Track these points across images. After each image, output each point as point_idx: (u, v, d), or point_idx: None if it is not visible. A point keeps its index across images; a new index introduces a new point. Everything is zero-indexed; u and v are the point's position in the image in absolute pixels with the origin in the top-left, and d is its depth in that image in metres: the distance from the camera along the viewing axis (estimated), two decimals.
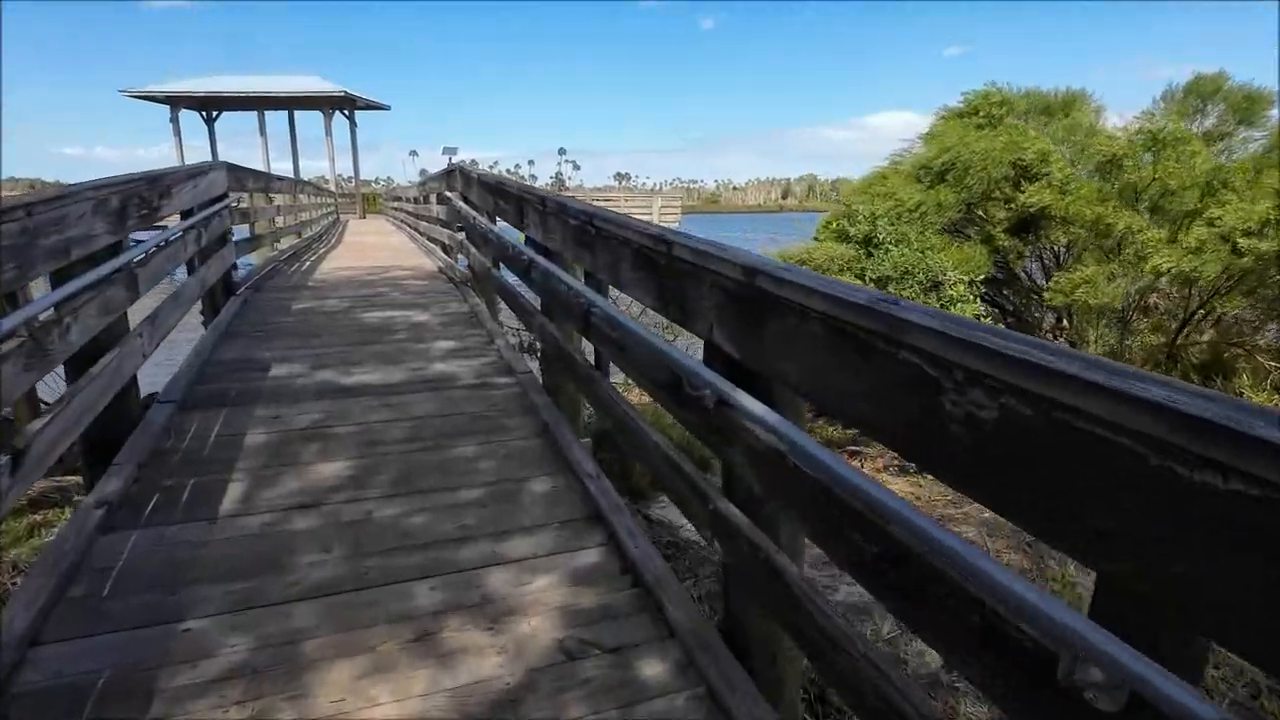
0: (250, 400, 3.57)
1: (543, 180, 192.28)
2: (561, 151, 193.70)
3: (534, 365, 4.39)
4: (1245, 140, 6.11)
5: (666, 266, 1.92)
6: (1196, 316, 5.20)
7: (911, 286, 5.47)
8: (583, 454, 2.95)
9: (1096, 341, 5.45)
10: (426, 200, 10.60)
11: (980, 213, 5.98)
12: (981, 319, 5.35)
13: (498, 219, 4.61)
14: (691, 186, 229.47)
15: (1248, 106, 5.85)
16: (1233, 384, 5.17)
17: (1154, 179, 4.90)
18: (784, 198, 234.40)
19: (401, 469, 2.88)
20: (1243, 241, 4.40)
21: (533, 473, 2.88)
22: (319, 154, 29.80)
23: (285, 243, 10.41)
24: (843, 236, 6.16)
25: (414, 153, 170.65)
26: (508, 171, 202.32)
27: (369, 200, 42.52)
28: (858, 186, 6.59)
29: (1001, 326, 5.87)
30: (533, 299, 3.91)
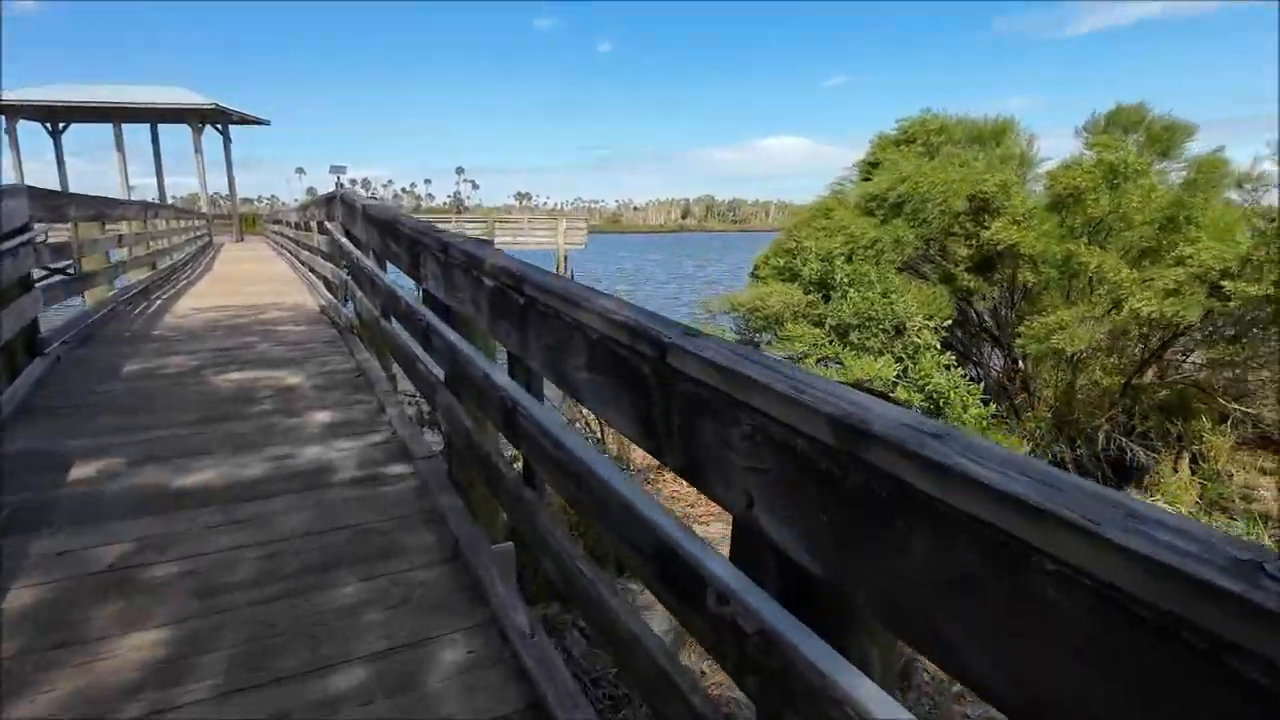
0: (30, 524, 2.56)
1: (440, 199, 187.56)
2: (459, 170, 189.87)
3: (438, 438, 3.55)
4: (1164, 172, 6.15)
5: (659, 381, 1.21)
6: (1157, 356, 5.10)
7: (876, 334, 5.04)
8: (509, 594, 2.17)
9: (1052, 384, 5.23)
10: (307, 227, 9.42)
11: (937, 250, 5.68)
12: (954, 370, 5.00)
13: (388, 263, 3.76)
14: (593, 206, 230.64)
15: (1168, 138, 5.87)
16: (1192, 425, 5.07)
17: (1115, 213, 4.73)
18: (684, 217, 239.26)
19: (249, 637, 2.00)
20: (1230, 285, 4.24)
21: (441, 628, 2.08)
22: (192, 170, 27.18)
23: (133, 276, 8.93)
24: (789, 275, 5.70)
25: (300, 170, 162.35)
26: (402, 190, 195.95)
27: (248, 221, 39.53)
28: (803, 219, 6.10)
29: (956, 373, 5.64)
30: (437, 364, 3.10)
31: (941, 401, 4.69)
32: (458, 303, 2.43)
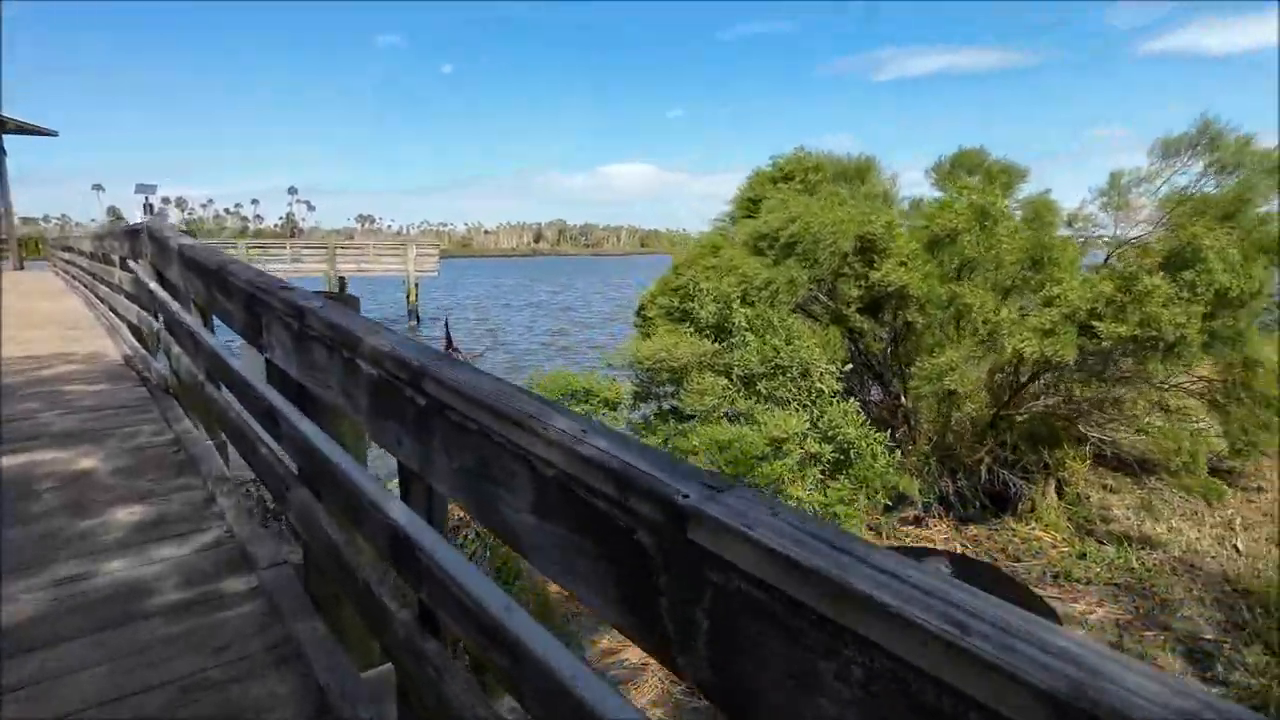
0: None
1: (270, 221, 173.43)
2: (292, 190, 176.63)
3: (289, 542, 2.90)
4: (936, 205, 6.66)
5: (672, 560, 0.85)
6: (1022, 389, 5.42)
7: (785, 383, 4.90)
8: None
9: (929, 418, 5.42)
10: (106, 260, 8.00)
11: (827, 291, 5.69)
12: (858, 417, 4.97)
13: (214, 317, 3.07)
14: (442, 230, 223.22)
15: (1006, 180, 6.36)
16: (1056, 452, 5.43)
17: (989, 253, 4.99)
18: (536, 241, 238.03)
19: None
20: (1102, 326, 4.56)
21: None
22: None
23: None
24: (680, 316, 5.46)
25: (99, 187, 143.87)
26: (225, 211, 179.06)
27: (29, 245, 34.18)
28: (690, 256, 5.88)
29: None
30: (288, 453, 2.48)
31: (852, 453, 4.68)
32: (318, 385, 1.90)
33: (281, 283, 2.25)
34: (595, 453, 0.95)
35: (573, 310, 37.34)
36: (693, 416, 4.90)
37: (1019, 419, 5.42)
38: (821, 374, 4.78)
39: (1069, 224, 5.95)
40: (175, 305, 3.71)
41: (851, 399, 5.00)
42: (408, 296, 27.09)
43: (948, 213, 5.23)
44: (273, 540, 2.80)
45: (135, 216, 23.21)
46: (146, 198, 22.59)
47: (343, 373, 1.70)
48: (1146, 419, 5.55)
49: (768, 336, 4.90)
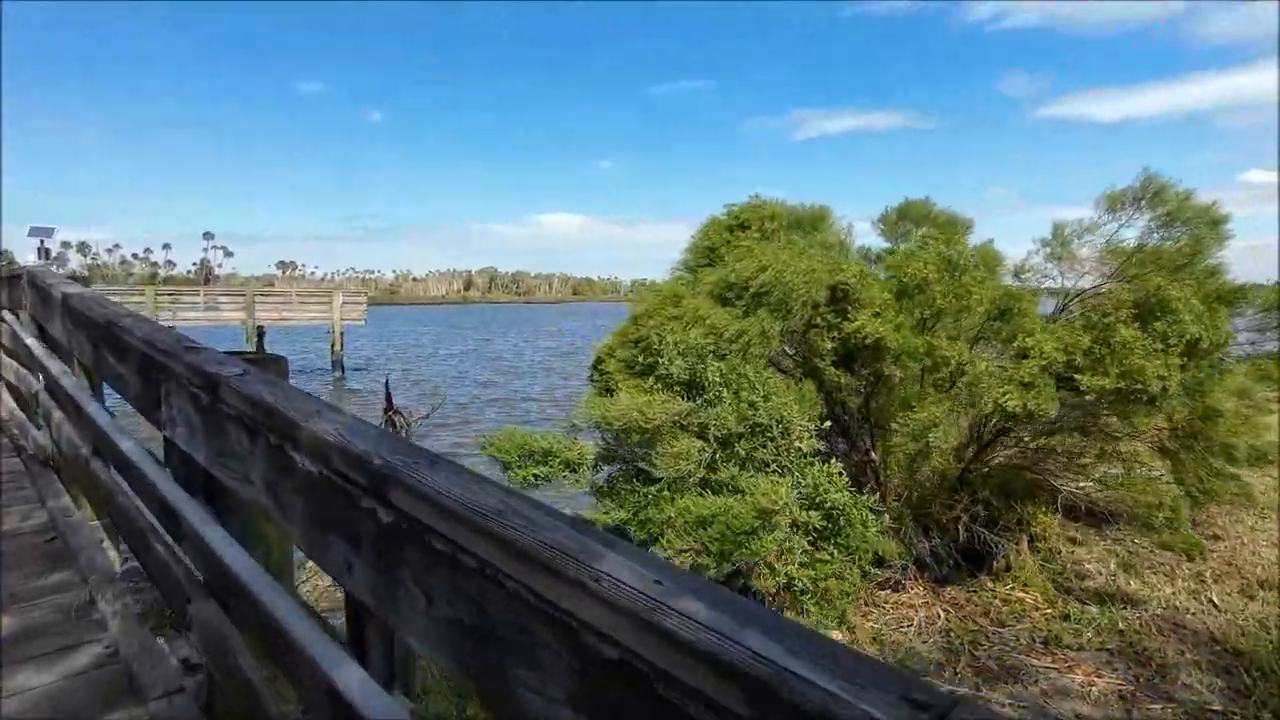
0: None
1: (183, 267, 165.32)
2: (208, 235, 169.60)
3: (186, 652, 2.36)
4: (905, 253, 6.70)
5: None
6: (991, 442, 5.33)
7: (765, 444, 4.58)
8: None
9: (901, 475, 5.24)
10: None
11: (799, 343, 5.49)
12: (841, 479, 4.69)
13: (104, 382, 2.56)
14: (368, 277, 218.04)
15: (951, 230, 6.42)
16: (1028, 505, 5.32)
17: (959, 302, 4.92)
18: (467, 289, 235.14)
19: None
20: (1084, 379, 4.50)
21: None
22: None
23: None
24: (642, 370, 5.09)
25: None
26: (133, 256, 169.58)
27: None
28: (650, 306, 5.54)
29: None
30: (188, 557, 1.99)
31: (842, 519, 4.38)
32: (233, 478, 1.47)
33: (188, 342, 1.81)
34: (690, 629, 0.61)
35: (502, 359, 36.57)
36: (659, 479, 4.52)
37: (985, 472, 5.32)
38: (800, 433, 4.52)
39: (1016, 274, 6.04)
40: (56, 366, 3.14)
41: (832, 459, 4.75)
42: (332, 346, 25.87)
43: (915, 262, 5.16)
44: (168, 657, 2.27)
45: (29, 261, 21.41)
46: (42, 241, 20.92)
47: (269, 466, 1.29)
48: (1103, 468, 5.57)
49: (743, 393, 4.62)
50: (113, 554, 3.56)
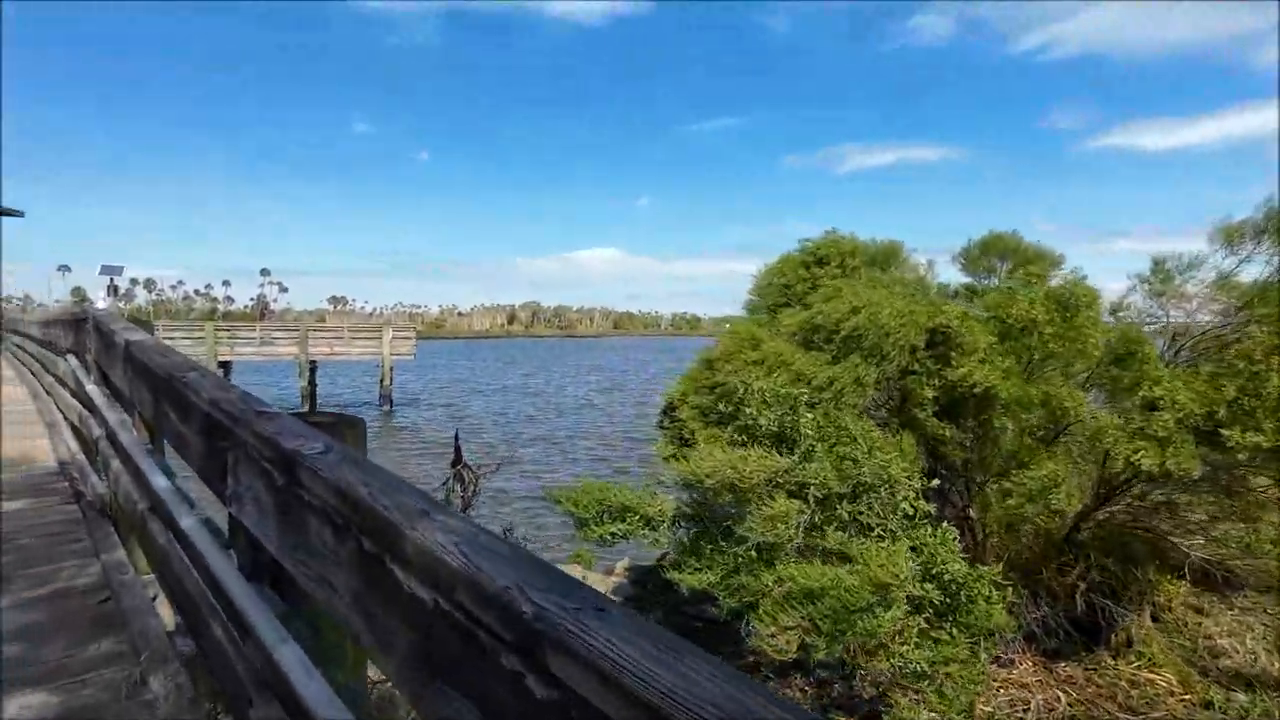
0: None
1: (241, 303, 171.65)
2: (264, 272, 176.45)
3: None
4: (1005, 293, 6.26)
5: None
6: (1107, 500, 4.83)
7: (872, 505, 4.19)
8: None
9: (1002, 535, 4.78)
10: (54, 348, 7.22)
11: (895, 391, 5.08)
12: (957, 546, 4.24)
13: (164, 439, 2.38)
14: (415, 311, 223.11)
15: (1039, 264, 6.01)
16: (1149, 570, 4.78)
17: (1072, 346, 4.50)
18: (510, 323, 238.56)
19: None
20: (1233, 435, 4.02)
21: None
22: None
23: None
24: (720, 419, 4.77)
25: (64, 268, 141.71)
26: (195, 292, 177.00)
27: None
28: (725, 349, 5.23)
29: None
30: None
31: (962, 594, 3.92)
32: (310, 577, 1.22)
33: (259, 405, 1.59)
34: None
35: (542, 394, 36.56)
36: (744, 539, 4.13)
37: (1094, 531, 4.80)
38: (907, 494, 4.10)
39: (1112, 313, 5.56)
40: (115, 416, 3.00)
41: (944, 522, 4.29)
42: (381, 381, 26.19)
43: (1019, 301, 4.73)
44: None
45: (100, 298, 22.31)
46: (112, 279, 21.78)
47: (360, 577, 1.03)
48: (1222, 526, 4.98)
49: (842, 447, 4.21)
50: (166, 612, 3.38)
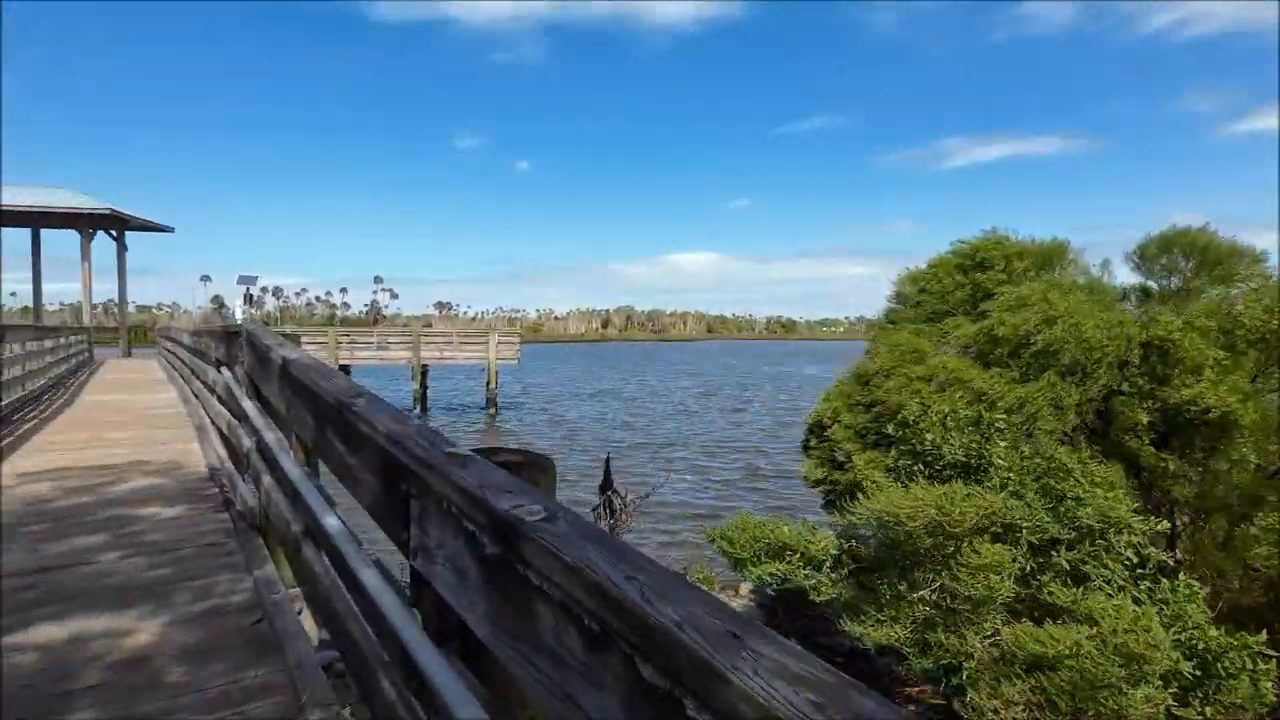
0: None
1: (356, 309, 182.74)
2: (377, 279, 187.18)
3: None
4: (1225, 298, 5.42)
5: None
6: None
7: (1098, 555, 3.64)
8: None
9: (1215, 580, 4.11)
10: (203, 356, 7.65)
11: (1096, 414, 4.45)
12: (1202, 603, 3.64)
13: (319, 460, 2.28)
14: (514, 316, 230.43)
15: (1230, 262, 5.18)
16: None
17: None
18: (604, 327, 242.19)
19: None
20: None
21: None
22: (77, 277, 24.45)
23: None
24: (880, 442, 4.33)
25: (206, 278, 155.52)
26: (316, 299, 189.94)
27: (137, 333, 36.07)
28: (883, 364, 4.78)
29: None
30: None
31: (1219, 665, 3.29)
32: (538, 680, 0.98)
33: (448, 445, 1.39)
34: None
35: (637, 399, 36.55)
36: (941, 588, 3.60)
37: None
38: (1136, 538, 3.49)
39: None
40: (273, 436, 2.96)
41: (1180, 575, 3.65)
42: (487, 384, 26.92)
43: (1253, 307, 3.99)
44: None
45: (237, 305, 24.08)
46: (248, 288, 23.46)
47: (621, 699, 0.78)
48: None
49: (1057, 482, 3.65)
50: (310, 627, 3.34)
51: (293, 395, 2.50)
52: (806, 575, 4.39)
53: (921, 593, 3.52)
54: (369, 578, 1.63)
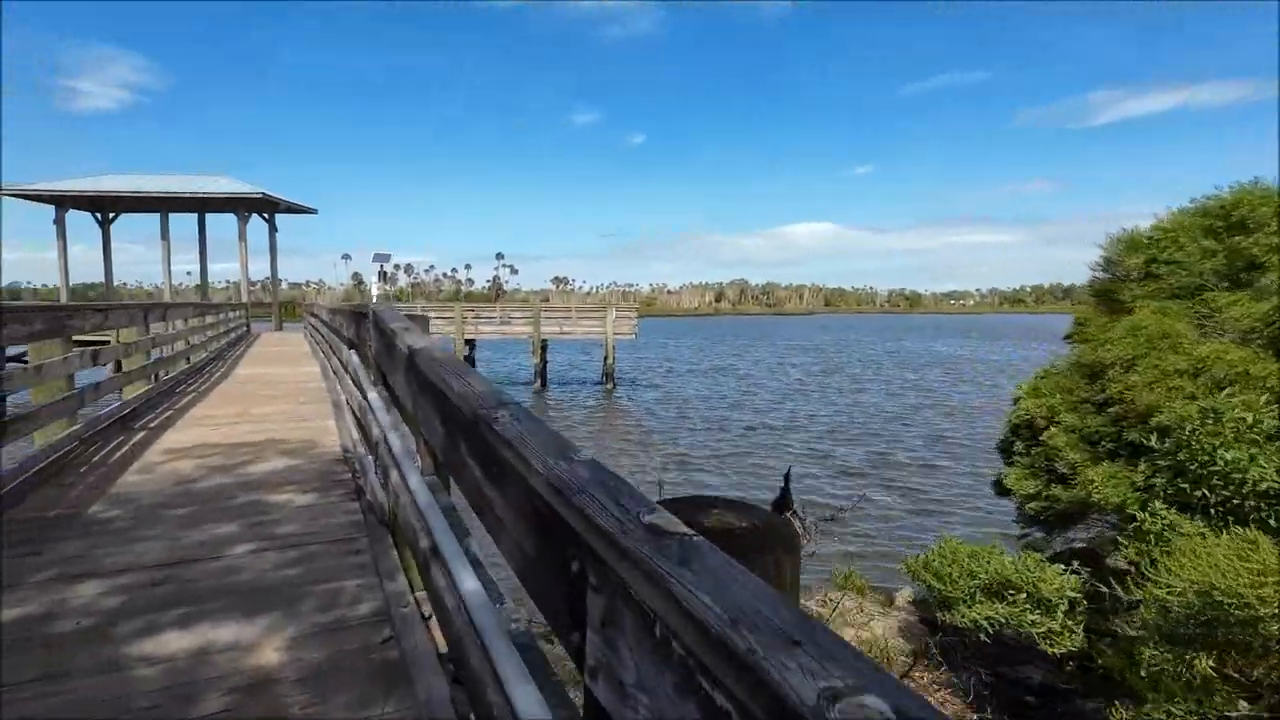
0: None
1: (480, 285, 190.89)
2: (499, 256, 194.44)
3: None
4: None
5: None
6: None
7: None
8: None
9: None
10: (338, 333, 7.75)
11: None
12: None
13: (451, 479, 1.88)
14: (627, 290, 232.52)
15: None
16: None
17: None
18: (718, 300, 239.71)
19: None
20: None
21: None
22: (236, 257, 26.62)
23: (129, 392, 7.26)
24: (1118, 452, 3.48)
25: (347, 256, 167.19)
26: (444, 275, 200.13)
27: (288, 309, 39.22)
28: (1123, 353, 3.74)
29: None
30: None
31: None
32: None
33: (648, 510, 0.88)
34: None
35: (750, 376, 35.53)
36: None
37: None
38: None
39: None
40: (396, 441, 2.63)
41: None
42: (605, 359, 26.97)
43: None
44: None
45: (372, 283, 25.35)
46: (381, 266, 24.63)
47: None
48: None
49: None
50: (439, 633, 3.04)
51: (419, 392, 2.11)
52: (1034, 621, 3.61)
53: (1198, 659, 2.68)
54: (509, 668, 1.17)
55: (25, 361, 5.20)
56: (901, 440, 18.57)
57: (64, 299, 26.36)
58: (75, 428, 5.25)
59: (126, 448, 5.35)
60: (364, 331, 3.66)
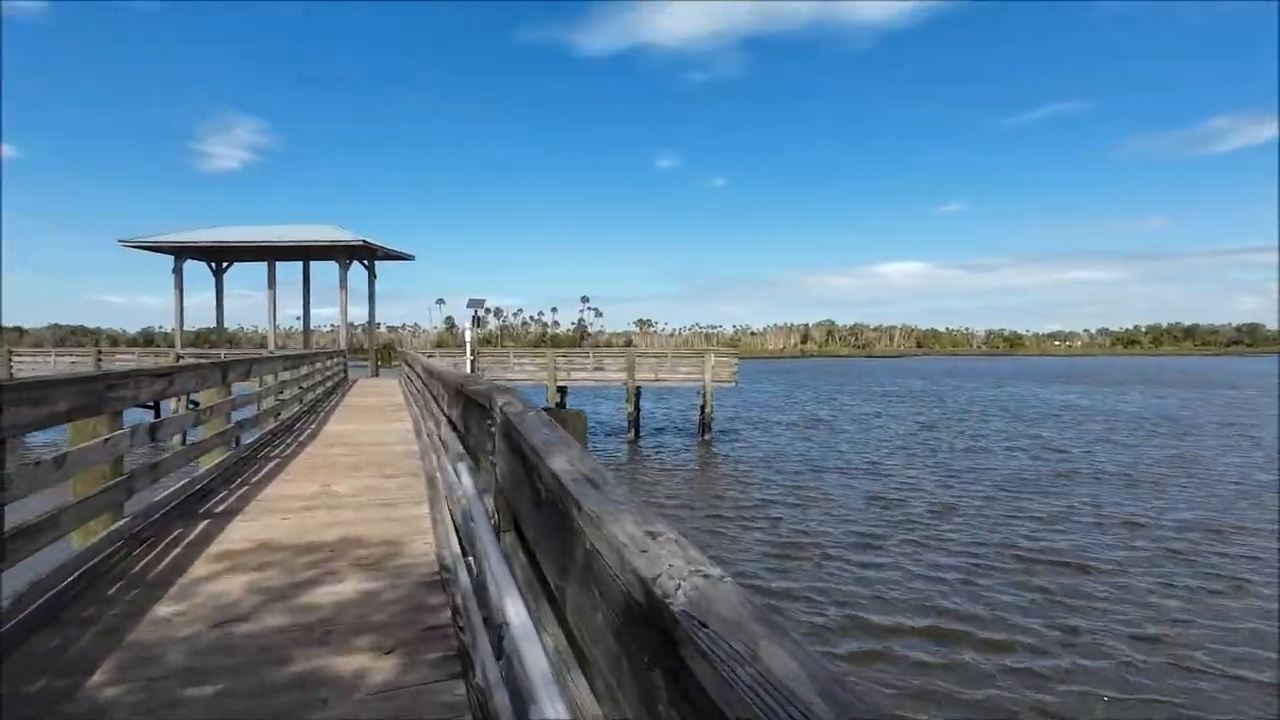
0: None
1: (565, 327, 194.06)
2: (584, 299, 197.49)
3: None
4: None
5: None
6: None
7: None
8: None
9: None
10: (436, 399, 6.65)
11: None
12: None
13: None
14: (710, 332, 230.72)
15: None
16: None
17: None
18: (804, 341, 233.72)
19: None
20: None
21: None
22: (337, 302, 27.00)
23: (205, 462, 6.36)
24: None
25: (441, 301, 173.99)
26: (530, 319, 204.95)
27: (385, 353, 39.64)
28: None
29: None
30: None
31: None
32: None
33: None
34: None
35: (851, 432, 33.03)
36: None
37: None
38: None
39: None
40: (501, 569, 1.29)
41: None
42: (702, 408, 25.47)
43: None
44: None
45: (465, 327, 24.99)
46: (475, 311, 24.24)
47: None
48: None
49: None
50: None
51: (519, 481, 0.71)
52: None
53: None
54: None
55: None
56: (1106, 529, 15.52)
57: (178, 345, 27.42)
58: (120, 523, 4.23)
59: (178, 550, 4.29)
60: (482, 432, 2.38)
